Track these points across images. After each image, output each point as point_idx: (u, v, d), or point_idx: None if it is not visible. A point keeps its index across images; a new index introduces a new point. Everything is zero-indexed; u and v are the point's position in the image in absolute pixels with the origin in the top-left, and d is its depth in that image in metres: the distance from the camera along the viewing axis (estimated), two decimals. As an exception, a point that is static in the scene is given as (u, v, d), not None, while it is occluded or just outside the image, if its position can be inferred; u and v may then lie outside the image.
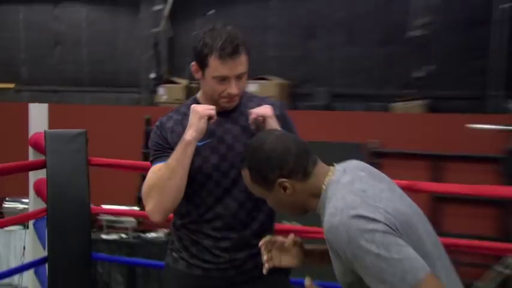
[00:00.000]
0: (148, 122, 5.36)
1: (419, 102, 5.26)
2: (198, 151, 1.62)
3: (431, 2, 5.27)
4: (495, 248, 2.81)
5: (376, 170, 1.42)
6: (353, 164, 1.41)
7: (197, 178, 1.63)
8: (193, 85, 5.71)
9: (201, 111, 1.57)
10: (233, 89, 1.60)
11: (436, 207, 4.64)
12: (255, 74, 5.40)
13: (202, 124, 1.57)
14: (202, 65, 1.60)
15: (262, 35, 5.88)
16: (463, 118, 4.66)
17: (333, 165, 1.39)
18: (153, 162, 1.67)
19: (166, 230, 4.92)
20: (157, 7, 5.92)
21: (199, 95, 1.76)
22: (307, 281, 1.39)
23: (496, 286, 4.05)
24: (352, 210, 1.20)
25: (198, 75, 1.66)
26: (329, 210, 1.26)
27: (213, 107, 1.60)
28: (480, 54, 5.27)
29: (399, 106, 5.33)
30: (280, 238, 1.50)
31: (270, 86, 5.58)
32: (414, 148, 4.75)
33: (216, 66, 1.57)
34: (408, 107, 5.28)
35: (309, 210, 1.41)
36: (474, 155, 4.59)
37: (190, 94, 5.48)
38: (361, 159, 1.45)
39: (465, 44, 5.34)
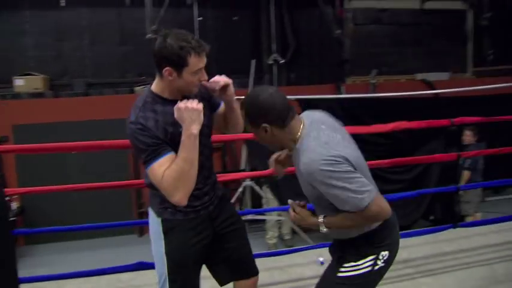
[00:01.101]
0: None
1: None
2: (180, 136, 1.76)
3: (158, 14, 6.95)
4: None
5: (332, 120, 1.84)
6: (317, 116, 1.82)
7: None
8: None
9: (199, 108, 1.73)
10: (204, 76, 1.79)
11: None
12: (18, 72, 6.64)
13: (201, 118, 1.74)
14: (180, 65, 1.71)
15: (21, 39, 6.97)
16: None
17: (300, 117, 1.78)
18: (155, 158, 1.73)
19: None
20: None
21: (159, 90, 1.81)
22: (290, 201, 1.83)
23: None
24: (322, 160, 1.60)
25: (171, 77, 1.73)
26: (305, 159, 1.65)
27: (198, 101, 1.75)
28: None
29: (139, 89, 6.89)
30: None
31: (35, 80, 6.70)
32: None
33: (195, 62, 1.71)
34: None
35: (284, 148, 1.86)
36: None
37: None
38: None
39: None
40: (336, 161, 1.61)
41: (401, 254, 3.37)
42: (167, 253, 1.93)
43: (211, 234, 2.00)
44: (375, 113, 6.22)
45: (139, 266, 2.90)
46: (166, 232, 1.92)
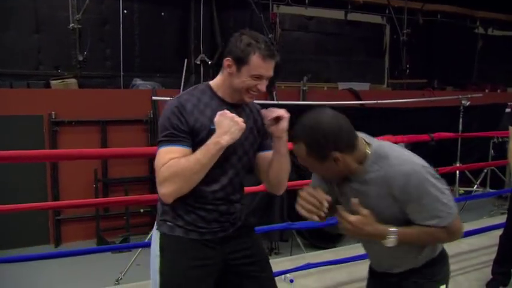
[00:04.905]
0: None
1: (73, 80, 6.36)
2: (211, 133, 1.65)
3: (81, 3, 6.34)
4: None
5: None
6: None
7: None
8: None
9: (242, 124, 1.64)
10: (263, 86, 1.69)
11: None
12: None
13: (238, 135, 1.64)
14: (241, 61, 1.65)
15: None
16: (107, 92, 6.29)
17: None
18: (169, 143, 1.63)
19: None
20: None
21: (215, 84, 1.75)
22: (354, 200, 1.51)
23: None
24: (417, 163, 1.47)
25: (229, 70, 1.68)
26: (394, 162, 1.46)
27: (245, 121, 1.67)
28: (113, 45, 7.00)
29: (56, 83, 6.24)
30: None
31: None
32: (84, 116, 5.73)
33: (257, 64, 1.64)
34: (65, 84, 6.25)
35: (348, 174, 1.55)
36: (130, 118, 5.93)
37: None
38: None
39: (101, 36, 6.96)
40: (428, 167, 1.48)
41: (366, 270, 3.40)
42: (161, 272, 1.74)
43: (220, 263, 1.79)
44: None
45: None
46: (162, 249, 1.75)
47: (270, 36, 7.21)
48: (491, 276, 3.28)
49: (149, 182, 6.07)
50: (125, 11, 7.09)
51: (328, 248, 4.93)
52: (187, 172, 1.59)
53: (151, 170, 6.04)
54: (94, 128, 5.81)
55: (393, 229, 1.50)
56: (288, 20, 8.57)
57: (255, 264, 1.86)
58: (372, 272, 1.80)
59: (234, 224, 1.82)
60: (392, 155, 1.49)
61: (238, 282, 1.84)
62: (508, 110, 6.82)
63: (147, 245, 3.32)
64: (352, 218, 1.50)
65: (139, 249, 4.03)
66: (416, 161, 1.48)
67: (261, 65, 1.65)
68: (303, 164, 1.55)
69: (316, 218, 1.54)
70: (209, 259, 1.76)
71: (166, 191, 1.61)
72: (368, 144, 1.55)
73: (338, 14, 9.03)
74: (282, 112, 1.74)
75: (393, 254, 1.59)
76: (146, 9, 7.31)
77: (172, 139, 1.64)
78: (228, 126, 1.61)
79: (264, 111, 1.78)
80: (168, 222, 1.75)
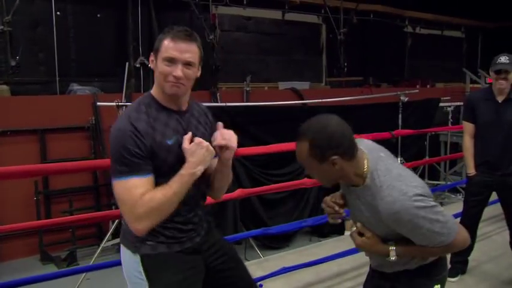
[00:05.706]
0: None
1: (5, 87, 5.93)
2: (170, 149, 1.62)
3: (10, 4, 5.96)
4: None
5: (378, 145, 1.73)
6: (371, 146, 1.70)
7: (171, 174, 1.60)
8: None
9: (213, 150, 1.65)
10: (178, 71, 1.58)
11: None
12: None
13: (209, 162, 1.66)
14: (157, 50, 1.60)
15: None
16: (44, 99, 5.88)
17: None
18: (134, 174, 1.53)
19: None
20: None
21: (154, 92, 1.69)
22: (359, 225, 1.68)
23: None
24: (406, 195, 1.50)
25: (152, 65, 1.64)
26: (386, 198, 1.52)
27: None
28: (47, 48, 6.65)
29: None
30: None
31: None
32: (20, 125, 5.35)
33: (167, 47, 1.57)
34: (-4, 91, 5.85)
35: (347, 183, 1.67)
36: (70, 126, 5.64)
37: None
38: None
39: (33, 40, 6.57)
40: (422, 195, 1.52)
41: (332, 269, 3.42)
42: None
43: (203, 269, 1.78)
44: (253, 120, 6.25)
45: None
46: (148, 272, 1.65)
47: (211, 37, 7.16)
48: (449, 265, 3.44)
49: (94, 191, 5.85)
50: (58, 13, 6.77)
51: (281, 248, 4.99)
52: (166, 206, 1.56)
53: (96, 179, 5.85)
54: (32, 137, 5.46)
55: (393, 247, 1.63)
56: (227, 21, 8.55)
57: (230, 260, 1.90)
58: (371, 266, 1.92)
59: (203, 227, 1.83)
60: (385, 184, 1.55)
61: (222, 283, 1.87)
62: (445, 104, 7.19)
63: (96, 268, 3.23)
64: (358, 241, 1.68)
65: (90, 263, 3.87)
66: (408, 193, 1.52)
67: (171, 47, 1.58)
68: (302, 164, 1.62)
69: (337, 220, 1.77)
70: (194, 267, 1.74)
71: (144, 226, 1.55)
72: (367, 159, 1.62)
73: (276, 14, 9.14)
74: (232, 140, 1.72)
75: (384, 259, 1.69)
76: (81, 10, 7.01)
77: (134, 168, 1.53)
78: (202, 156, 1.61)
79: (215, 135, 1.72)
80: (148, 242, 1.66)
